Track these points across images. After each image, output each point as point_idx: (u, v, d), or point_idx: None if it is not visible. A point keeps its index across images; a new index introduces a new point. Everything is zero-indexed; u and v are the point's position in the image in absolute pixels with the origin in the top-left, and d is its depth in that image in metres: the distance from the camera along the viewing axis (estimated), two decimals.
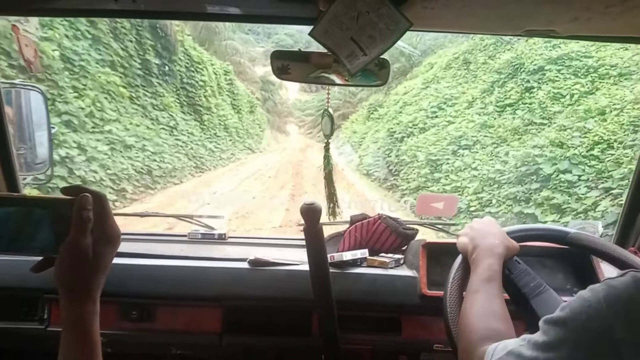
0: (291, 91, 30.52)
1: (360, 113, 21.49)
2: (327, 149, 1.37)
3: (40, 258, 0.71)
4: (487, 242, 1.04)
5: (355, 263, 1.44)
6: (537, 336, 0.70)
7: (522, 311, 1.04)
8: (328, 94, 1.34)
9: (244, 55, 24.58)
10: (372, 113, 18.93)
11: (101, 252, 0.68)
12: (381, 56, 1.06)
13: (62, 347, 0.67)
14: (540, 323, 0.71)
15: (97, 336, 0.67)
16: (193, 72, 14.52)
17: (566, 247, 1.18)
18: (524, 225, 1.18)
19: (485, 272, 0.98)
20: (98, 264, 0.67)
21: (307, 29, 1.04)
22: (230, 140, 17.04)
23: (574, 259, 1.39)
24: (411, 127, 12.87)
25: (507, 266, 1.05)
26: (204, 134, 14.45)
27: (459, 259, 1.11)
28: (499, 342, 0.77)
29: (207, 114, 15.06)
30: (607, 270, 1.34)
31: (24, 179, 1.60)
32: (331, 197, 1.41)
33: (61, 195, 0.68)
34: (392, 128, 13.97)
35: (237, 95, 19.52)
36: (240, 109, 19.62)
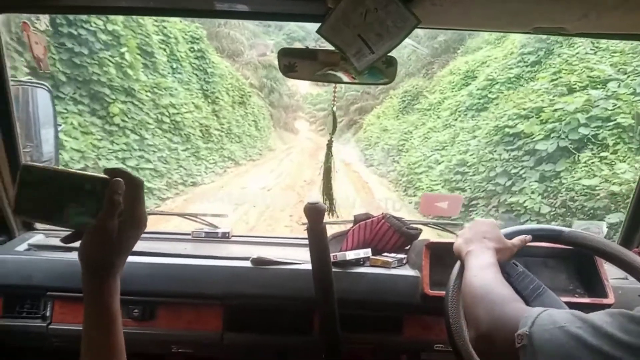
0: (302, 83, 24.58)
1: (388, 104, 16.12)
2: (329, 147, 1.38)
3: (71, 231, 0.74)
4: (480, 243, 1.03)
5: (358, 262, 1.43)
6: (610, 328, 0.60)
7: None
8: (334, 91, 1.34)
9: (236, 27, 17.73)
10: (409, 103, 13.99)
11: (126, 235, 0.71)
12: (389, 54, 1.06)
13: (84, 322, 0.70)
14: (621, 318, 0.61)
15: (115, 310, 0.70)
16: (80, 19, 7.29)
17: (569, 247, 1.17)
18: (518, 226, 1.17)
19: (480, 263, 0.96)
20: (121, 246, 0.71)
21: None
22: (186, 148, 9.89)
23: (577, 260, 1.38)
24: (604, 124, 5.92)
25: (505, 269, 1.03)
26: (113, 143, 7.61)
27: None
28: (538, 308, 0.71)
29: (124, 102, 8.08)
30: (611, 272, 1.33)
31: None
32: (328, 194, 1.40)
33: (101, 175, 0.71)
34: (508, 126, 7.27)
35: (212, 76, 12.52)
36: (217, 98, 12.52)
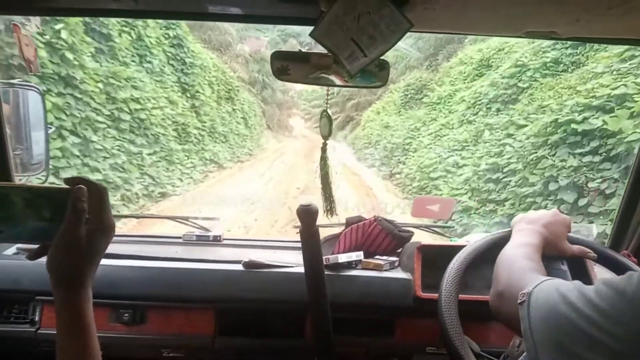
0: None
1: (388, 99, 14.95)
2: (324, 150, 1.37)
3: (37, 246, 0.73)
4: (534, 226, 1.03)
5: (350, 265, 1.43)
6: (588, 291, 0.66)
7: None
8: (327, 94, 1.34)
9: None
10: (413, 97, 13.01)
11: (95, 243, 0.70)
12: (381, 57, 1.06)
13: (56, 331, 0.69)
14: (600, 283, 0.66)
15: (88, 318, 0.70)
16: None
17: None
18: (591, 241, 1.15)
19: (521, 241, 0.99)
20: (90, 254, 0.70)
21: None
22: (154, 152, 8.27)
23: (567, 262, 1.39)
24: None
25: (549, 264, 1.02)
26: None
27: (454, 261, 1.11)
28: (550, 278, 0.77)
29: (60, 94, 6.42)
30: (601, 273, 1.34)
31: (20, 179, 1.59)
32: (327, 197, 1.40)
33: (61, 185, 0.70)
34: (574, 121, 5.40)
35: (191, 67, 11.15)
36: (197, 92, 11.16)
